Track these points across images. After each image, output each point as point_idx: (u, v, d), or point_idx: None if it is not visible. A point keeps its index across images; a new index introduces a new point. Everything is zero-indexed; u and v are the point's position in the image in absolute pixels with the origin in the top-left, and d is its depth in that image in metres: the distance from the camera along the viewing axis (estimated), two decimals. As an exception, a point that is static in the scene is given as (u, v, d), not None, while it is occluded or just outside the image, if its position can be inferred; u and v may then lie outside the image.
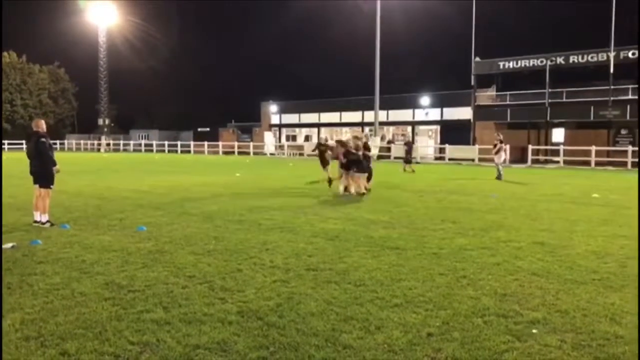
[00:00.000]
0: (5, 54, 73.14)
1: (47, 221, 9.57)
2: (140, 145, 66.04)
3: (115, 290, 5.72)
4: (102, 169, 28.24)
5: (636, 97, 35.20)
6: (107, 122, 68.88)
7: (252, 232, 9.37)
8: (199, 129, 71.01)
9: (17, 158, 41.40)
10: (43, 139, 9.66)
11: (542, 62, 39.76)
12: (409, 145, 28.55)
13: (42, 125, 9.87)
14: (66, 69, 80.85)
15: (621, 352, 4.15)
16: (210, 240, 8.51)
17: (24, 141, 56.66)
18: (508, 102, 42.14)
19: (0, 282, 4.38)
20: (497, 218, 11.25)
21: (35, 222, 9.63)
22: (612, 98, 36.56)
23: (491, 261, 7.23)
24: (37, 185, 9.85)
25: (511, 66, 41.77)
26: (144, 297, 5.46)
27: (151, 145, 63.86)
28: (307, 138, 56.10)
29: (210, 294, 5.63)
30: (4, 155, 46.21)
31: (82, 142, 70.50)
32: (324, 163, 18.21)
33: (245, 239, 8.66)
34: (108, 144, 66.12)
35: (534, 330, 4.59)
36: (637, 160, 30.37)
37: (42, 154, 9.64)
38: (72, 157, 43.24)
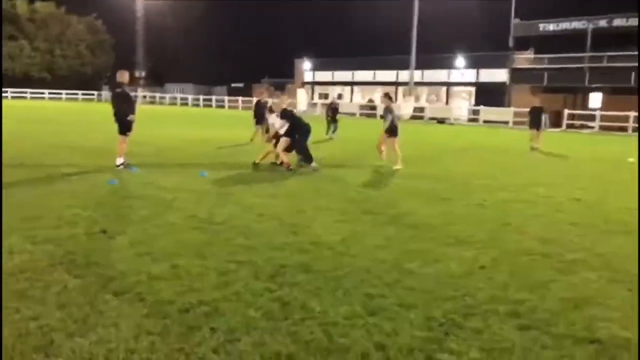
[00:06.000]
0: (45, 4, 74.21)
1: (121, 164, 10.43)
2: (175, 98, 67.09)
3: (199, 222, 6.50)
4: (145, 120, 29.15)
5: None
6: (143, 74, 69.85)
7: (303, 180, 10.10)
8: (233, 85, 71.65)
9: (57, 107, 42.79)
10: (118, 90, 10.47)
11: (584, 24, 39.03)
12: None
13: (121, 76, 10.64)
14: (103, 20, 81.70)
15: (652, 287, 4.76)
16: (269, 186, 9.26)
17: (63, 91, 57.89)
18: (546, 66, 41.63)
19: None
20: (535, 176, 11.75)
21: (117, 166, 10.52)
22: (654, 63, 35.85)
23: (533, 212, 7.82)
24: None
25: (551, 28, 41.14)
26: (226, 228, 6.23)
27: (186, 99, 64.86)
28: (339, 96, 56.25)
29: (283, 228, 6.37)
30: (47, 104, 47.75)
31: (118, 94, 71.77)
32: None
33: (299, 186, 9.39)
34: (144, 96, 67.29)
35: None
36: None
37: (114, 104, 10.45)
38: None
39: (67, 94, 65.48)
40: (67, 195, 7.78)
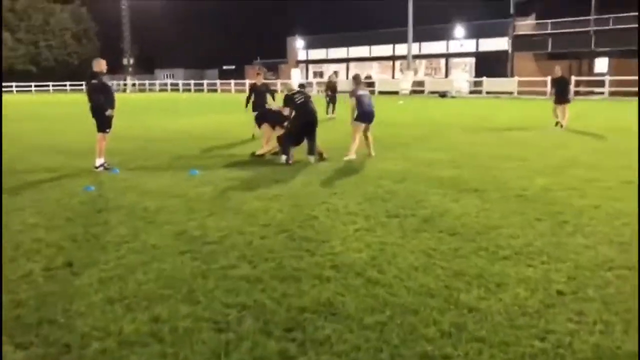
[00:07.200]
0: (25, -7, 71.81)
1: (101, 165, 9.13)
2: (165, 85, 65.36)
3: (189, 242, 5.24)
4: (133, 110, 27.75)
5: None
6: (131, 61, 67.98)
7: (312, 174, 8.82)
8: (224, 67, 69.84)
9: (43, 101, 41.27)
10: (94, 81, 9.02)
11: (587, -14, 37.34)
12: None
13: (97, 65, 9.17)
14: (87, 7, 79.22)
15: None
16: (272, 184, 7.98)
17: (50, 83, 55.97)
18: (549, 31, 40.04)
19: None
20: (568, 154, 10.52)
21: (96, 167, 9.22)
22: (662, 24, 34.31)
23: (585, 203, 6.57)
24: None
25: (553, -9, 39.42)
26: (224, 250, 4.97)
27: (177, 84, 63.13)
28: (335, 74, 54.64)
29: (294, 245, 5.12)
30: (34, 97, 46.12)
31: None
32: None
33: (308, 182, 8.12)
34: (134, 84, 65.55)
35: None
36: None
37: (90, 98, 9.09)
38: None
39: (54, 85, 63.56)
40: (33, 211, 6.50)
